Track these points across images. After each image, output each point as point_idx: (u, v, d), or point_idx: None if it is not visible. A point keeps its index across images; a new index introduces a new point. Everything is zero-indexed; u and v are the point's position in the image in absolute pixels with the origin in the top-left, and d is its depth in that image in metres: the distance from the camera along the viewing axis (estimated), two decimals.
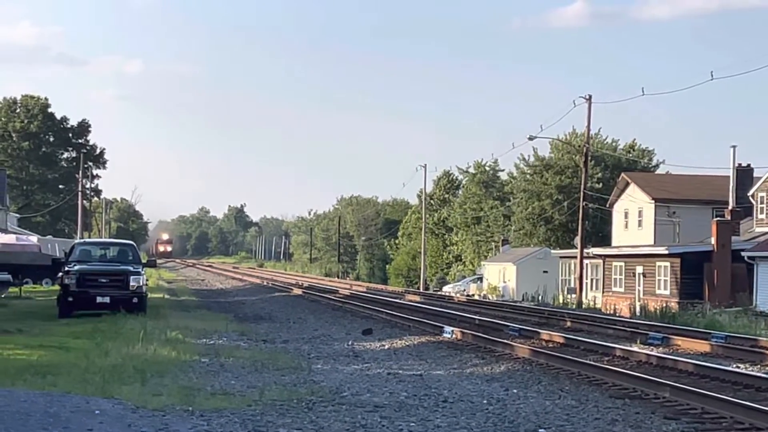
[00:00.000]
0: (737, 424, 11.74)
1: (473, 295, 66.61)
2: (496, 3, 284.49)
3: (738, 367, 18.19)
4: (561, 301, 53.33)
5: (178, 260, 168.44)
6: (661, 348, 22.39)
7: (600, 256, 54.56)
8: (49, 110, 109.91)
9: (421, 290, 74.04)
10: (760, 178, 51.24)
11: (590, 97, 51.35)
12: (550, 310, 38.58)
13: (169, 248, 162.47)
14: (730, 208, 52.13)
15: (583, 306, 48.62)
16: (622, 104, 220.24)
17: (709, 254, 45.43)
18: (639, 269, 49.93)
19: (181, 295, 48.80)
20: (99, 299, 27.68)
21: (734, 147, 54.87)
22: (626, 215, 62.59)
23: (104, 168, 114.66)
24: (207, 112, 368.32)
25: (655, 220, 58.49)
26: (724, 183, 55.63)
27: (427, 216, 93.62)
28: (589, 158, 57.66)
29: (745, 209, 51.46)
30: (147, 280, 31.78)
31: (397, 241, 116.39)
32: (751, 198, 50.85)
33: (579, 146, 62.91)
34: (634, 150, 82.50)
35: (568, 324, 30.74)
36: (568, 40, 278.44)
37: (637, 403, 13.39)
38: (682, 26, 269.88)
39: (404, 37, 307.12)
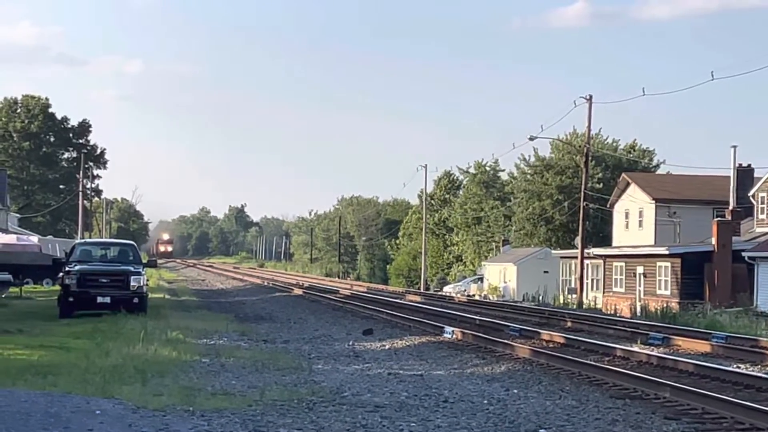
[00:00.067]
0: (738, 424, 11.74)
1: (474, 295, 66.62)
2: (497, 3, 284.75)
3: (738, 368, 18.19)
4: (561, 301, 53.35)
5: (178, 260, 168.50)
6: (661, 348, 22.39)
7: (600, 256, 54.56)
8: (50, 110, 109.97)
9: (422, 290, 74.03)
10: (760, 178, 51.24)
11: (591, 97, 51.39)
12: (550, 311, 38.59)
13: (169, 248, 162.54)
14: (730, 208, 52.14)
15: (584, 306, 48.63)
16: (622, 104, 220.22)
17: (710, 254, 45.43)
18: (639, 269, 49.94)
19: (182, 295, 48.81)
20: (99, 299, 27.68)
21: (735, 147, 54.96)
22: (627, 215, 62.59)
23: (105, 168, 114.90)
24: (207, 112, 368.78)
25: (655, 220, 58.48)
26: (725, 183, 55.63)
27: (428, 216, 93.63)
28: (590, 158, 57.69)
29: (745, 209, 51.47)
30: (147, 280, 31.78)
31: (397, 242, 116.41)
32: (751, 198, 50.85)
33: (579, 146, 62.90)
34: (634, 150, 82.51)
35: (569, 324, 30.75)
36: (569, 40, 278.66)
37: (637, 404, 13.39)
38: (682, 26, 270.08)
39: (404, 37, 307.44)
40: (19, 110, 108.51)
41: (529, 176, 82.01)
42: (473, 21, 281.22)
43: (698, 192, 59.50)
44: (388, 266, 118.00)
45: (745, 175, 54.22)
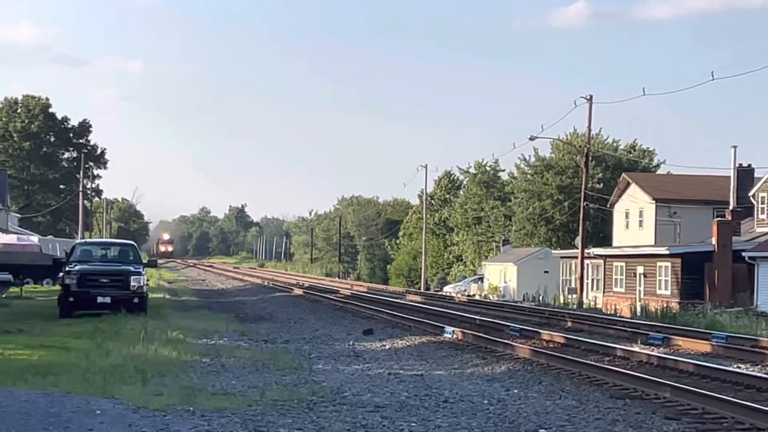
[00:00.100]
0: (738, 424, 11.74)
1: (474, 295, 66.63)
2: (497, 3, 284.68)
3: (739, 368, 18.18)
4: (562, 301, 53.35)
5: (179, 260, 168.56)
6: (661, 348, 22.39)
7: (601, 256, 54.56)
8: (50, 110, 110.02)
9: (422, 290, 74.06)
10: (760, 178, 51.24)
11: (591, 97, 51.41)
12: (550, 311, 38.59)
13: (170, 248, 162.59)
14: (730, 208, 52.14)
15: (584, 306, 48.64)
16: (623, 104, 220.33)
17: (710, 254, 45.42)
18: (640, 269, 49.94)
19: (182, 295, 48.83)
20: (100, 299, 27.68)
21: (735, 147, 54.98)
22: (627, 215, 62.59)
23: (105, 168, 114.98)
24: (208, 112, 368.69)
25: (655, 220, 58.49)
26: (725, 183, 55.63)
27: (428, 216, 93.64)
28: (590, 158, 57.69)
29: (746, 209, 51.47)
30: (148, 280, 31.79)
31: (397, 241, 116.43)
32: (752, 198, 50.85)
33: (580, 146, 62.89)
34: (634, 150, 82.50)
35: (569, 324, 30.75)
36: (569, 40, 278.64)
37: (637, 404, 13.39)
38: (682, 26, 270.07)
39: (405, 36, 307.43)
40: (19, 110, 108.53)
41: (529, 176, 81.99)
42: (473, 21, 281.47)
43: (698, 192, 59.50)
44: (388, 266, 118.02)
45: (746, 175, 54.22)
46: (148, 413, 11.17)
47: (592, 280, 55.48)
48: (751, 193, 51.02)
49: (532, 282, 62.61)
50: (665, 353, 20.46)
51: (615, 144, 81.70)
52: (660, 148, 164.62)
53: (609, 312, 42.69)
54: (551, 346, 22.48)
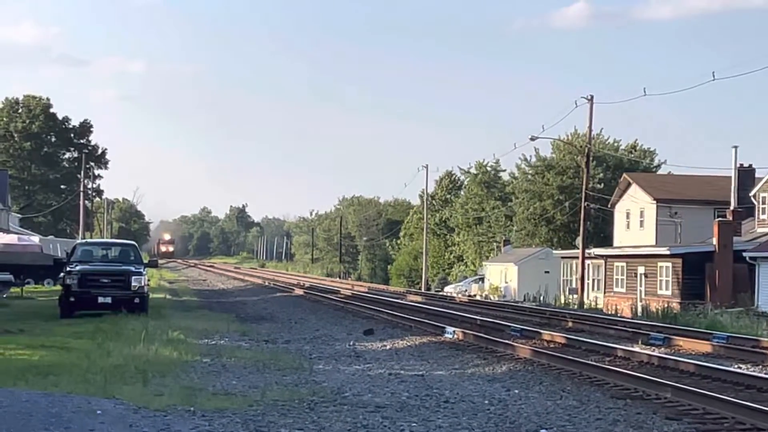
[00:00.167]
0: (739, 424, 11.74)
1: (475, 295, 66.64)
2: (498, 3, 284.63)
3: (740, 368, 18.18)
4: (562, 301, 53.37)
5: (179, 260, 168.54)
6: (662, 348, 22.39)
7: (602, 256, 54.56)
8: (51, 110, 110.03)
9: (423, 291, 74.06)
10: (761, 178, 51.24)
11: (592, 97, 51.43)
12: (551, 311, 38.61)
13: (170, 248, 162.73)
14: (731, 208, 52.15)
15: (585, 306, 48.65)
16: (623, 104, 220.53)
17: (711, 255, 45.41)
18: (640, 269, 49.93)
19: (183, 295, 48.84)
20: (101, 299, 27.70)
21: (736, 147, 54.98)
22: (628, 215, 62.58)
23: (106, 168, 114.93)
24: (208, 112, 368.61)
25: (656, 220, 58.48)
26: (726, 183, 55.63)
27: (429, 216, 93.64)
28: (591, 159, 57.69)
29: (746, 210, 51.49)
30: (149, 280, 31.79)
31: (398, 242, 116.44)
32: (752, 198, 50.86)
33: (581, 147, 62.87)
34: (635, 150, 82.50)
35: (570, 324, 30.75)
36: (570, 41, 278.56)
37: (638, 404, 13.39)
38: (683, 26, 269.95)
39: (406, 36, 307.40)
40: (20, 110, 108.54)
41: (530, 176, 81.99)
42: (474, 21, 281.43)
43: (699, 192, 59.50)
44: (389, 266, 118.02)
45: (746, 176, 54.24)
46: (149, 413, 11.18)
47: (593, 280, 55.49)
48: (751, 194, 51.02)
49: (533, 282, 62.62)
50: (666, 353, 20.46)
51: (616, 144, 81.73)
52: (661, 149, 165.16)
53: (610, 312, 42.70)
54: (552, 346, 22.48)
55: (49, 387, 12.78)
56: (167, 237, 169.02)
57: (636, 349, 21.36)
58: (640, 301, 46.37)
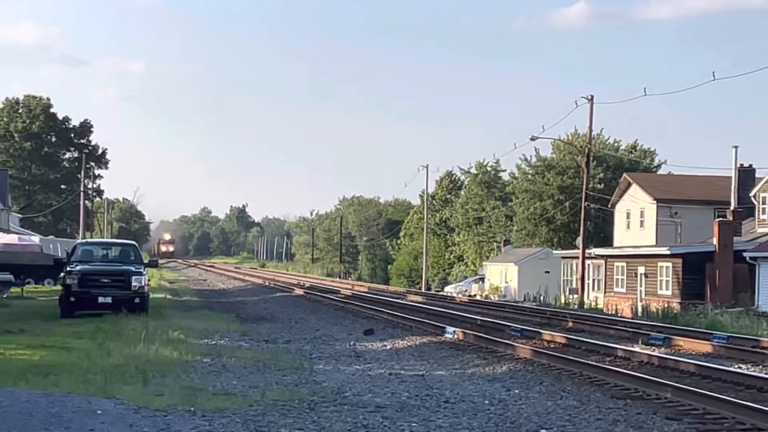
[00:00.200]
0: (739, 424, 11.74)
1: (475, 295, 66.64)
2: (498, 3, 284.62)
3: (740, 368, 18.18)
4: (563, 301, 53.37)
5: (180, 260, 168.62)
6: (662, 348, 22.39)
7: (602, 256, 54.57)
8: (51, 110, 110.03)
9: (423, 290, 74.05)
10: (762, 178, 51.24)
11: (592, 97, 51.43)
12: (551, 311, 38.60)
13: (171, 248, 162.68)
14: (732, 208, 52.14)
15: (585, 306, 48.65)
16: (623, 104, 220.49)
17: (711, 255, 45.41)
18: (641, 269, 49.94)
19: (183, 295, 48.84)
20: (101, 299, 27.70)
21: (736, 147, 54.95)
22: (628, 215, 62.58)
23: (106, 168, 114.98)
24: (209, 112, 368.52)
25: (656, 220, 58.47)
26: (726, 183, 55.63)
27: (429, 216, 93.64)
28: (591, 159, 57.68)
29: (747, 210, 51.48)
30: (149, 280, 31.79)
31: (398, 242, 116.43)
32: (753, 198, 50.86)
33: (581, 147, 62.86)
34: (636, 150, 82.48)
35: (570, 324, 30.75)
36: (570, 41, 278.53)
37: (638, 404, 13.39)
38: (683, 26, 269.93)
39: (406, 36, 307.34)
40: (20, 110, 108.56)
41: (530, 176, 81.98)
42: (474, 21, 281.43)
43: (699, 192, 59.49)
44: (389, 266, 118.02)
45: (747, 176, 54.23)
46: (149, 413, 11.18)
47: (593, 280, 55.49)
48: (752, 194, 51.01)
49: (533, 282, 62.62)
50: (666, 353, 20.46)
51: (616, 144, 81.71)
52: (661, 149, 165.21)
53: (610, 312, 42.69)
54: (552, 346, 22.48)
55: (50, 387, 12.79)
56: (167, 237, 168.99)
57: (636, 349, 21.35)
58: (641, 301, 46.37)
